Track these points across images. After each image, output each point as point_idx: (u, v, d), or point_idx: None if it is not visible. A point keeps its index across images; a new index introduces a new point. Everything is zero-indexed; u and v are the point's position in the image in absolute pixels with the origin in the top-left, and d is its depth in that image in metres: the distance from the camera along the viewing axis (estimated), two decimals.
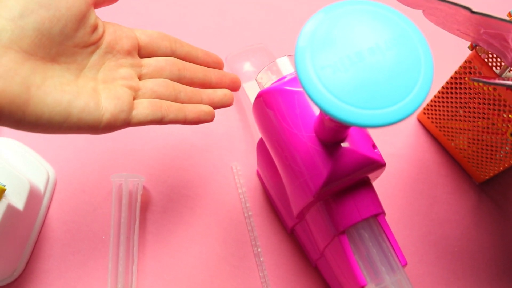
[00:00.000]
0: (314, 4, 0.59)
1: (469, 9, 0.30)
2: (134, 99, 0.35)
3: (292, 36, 0.56)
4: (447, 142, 0.52)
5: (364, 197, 0.35)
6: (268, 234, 0.48)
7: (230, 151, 0.51)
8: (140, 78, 0.36)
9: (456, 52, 0.48)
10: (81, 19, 0.31)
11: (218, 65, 0.41)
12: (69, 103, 0.30)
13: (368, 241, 0.35)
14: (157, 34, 0.37)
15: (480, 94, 0.43)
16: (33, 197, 0.43)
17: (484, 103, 0.43)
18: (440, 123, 0.51)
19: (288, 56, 0.39)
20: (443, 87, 0.48)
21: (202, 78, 0.39)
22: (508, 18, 0.31)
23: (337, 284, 0.41)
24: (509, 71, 0.41)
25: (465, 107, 0.46)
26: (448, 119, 0.49)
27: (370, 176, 0.35)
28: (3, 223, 0.38)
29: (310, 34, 0.23)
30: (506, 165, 0.45)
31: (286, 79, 0.36)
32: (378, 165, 0.34)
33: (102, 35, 0.33)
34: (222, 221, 0.48)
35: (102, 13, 0.35)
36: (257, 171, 0.50)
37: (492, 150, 0.46)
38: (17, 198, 0.40)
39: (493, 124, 0.44)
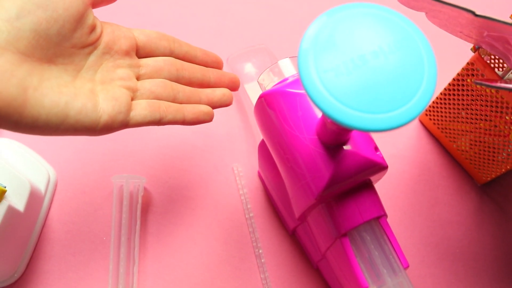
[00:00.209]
0: (316, 4, 0.59)
1: (473, 12, 0.30)
2: (132, 100, 0.34)
3: (294, 36, 0.56)
4: (449, 144, 0.52)
5: (366, 199, 0.35)
6: (270, 236, 0.48)
7: (231, 152, 0.51)
8: (138, 78, 0.36)
9: (458, 54, 0.48)
10: (79, 19, 0.31)
11: (217, 65, 0.41)
12: (66, 104, 0.30)
13: (370, 243, 0.35)
14: (155, 34, 0.37)
15: (483, 96, 0.43)
16: (34, 198, 0.43)
17: (487, 105, 0.43)
18: (442, 124, 0.51)
19: (290, 57, 0.39)
20: (445, 89, 0.48)
21: (200, 78, 0.39)
22: (511, 21, 0.31)
23: (338, 286, 0.41)
24: None
25: (467, 109, 0.46)
26: (450, 121, 0.49)
27: (372, 178, 0.35)
28: (3, 224, 0.38)
29: (313, 37, 0.23)
30: (508, 167, 0.45)
31: (288, 81, 0.36)
32: (380, 167, 0.33)
33: (100, 36, 0.33)
34: (223, 222, 0.48)
35: (101, 13, 0.35)
36: (259, 172, 0.49)
37: (494, 152, 0.46)
38: (17, 199, 0.40)
39: (495, 126, 0.44)
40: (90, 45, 0.32)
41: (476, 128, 0.46)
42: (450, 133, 0.50)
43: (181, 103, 0.37)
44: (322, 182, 0.32)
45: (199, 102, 0.38)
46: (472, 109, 0.45)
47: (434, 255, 0.48)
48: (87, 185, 0.48)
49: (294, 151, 0.34)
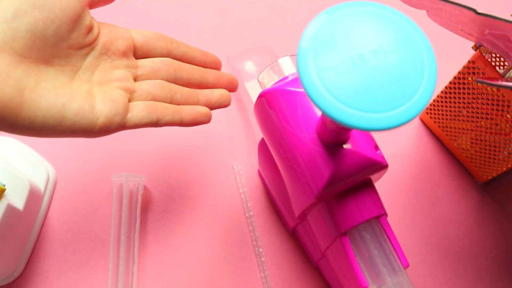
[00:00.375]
0: (316, 3, 0.59)
1: (474, 10, 0.30)
2: (129, 101, 0.34)
3: (294, 35, 0.56)
4: (450, 142, 0.52)
5: (366, 198, 0.35)
6: (270, 234, 0.48)
7: (231, 150, 0.51)
8: (135, 79, 0.36)
9: (459, 52, 0.48)
10: (76, 20, 0.30)
11: (216, 65, 0.41)
12: (63, 106, 0.29)
13: (370, 242, 0.35)
14: (153, 35, 0.37)
15: (484, 94, 0.43)
16: (33, 196, 0.43)
17: (488, 104, 0.43)
18: (442, 123, 0.51)
19: (290, 56, 0.38)
20: (446, 87, 0.47)
21: (198, 79, 0.39)
22: None
23: (338, 285, 0.41)
24: None
25: (468, 107, 0.46)
26: (451, 119, 0.49)
27: (373, 177, 0.35)
28: (3, 223, 0.38)
29: (312, 35, 0.23)
30: (509, 166, 0.45)
31: (288, 79, 0.36)
32: (380, 166, 0.33)
33: (97, 36, 0.33)
34: (223, 221, 0.48)
35: (99, 13, 0.35)
36: (259, 171, 0.49)
37: (495, 151, 0.46)
38: (17, 198, 0.40)
39: (496, 124, 0.44)
40: (87, 46, 0.32)
41: (477, 127, 0.46)
42: (451, 131, 0.50)
43: (179, 104, 0.37)
44: (322, 181, 0.32)
45: (197, 103, 0.38)
46: (473, 108, 0.45)
47: (435, 254, 0.48)
48: (86, 184, 0.48)
49: (294, 150, 0.34)
